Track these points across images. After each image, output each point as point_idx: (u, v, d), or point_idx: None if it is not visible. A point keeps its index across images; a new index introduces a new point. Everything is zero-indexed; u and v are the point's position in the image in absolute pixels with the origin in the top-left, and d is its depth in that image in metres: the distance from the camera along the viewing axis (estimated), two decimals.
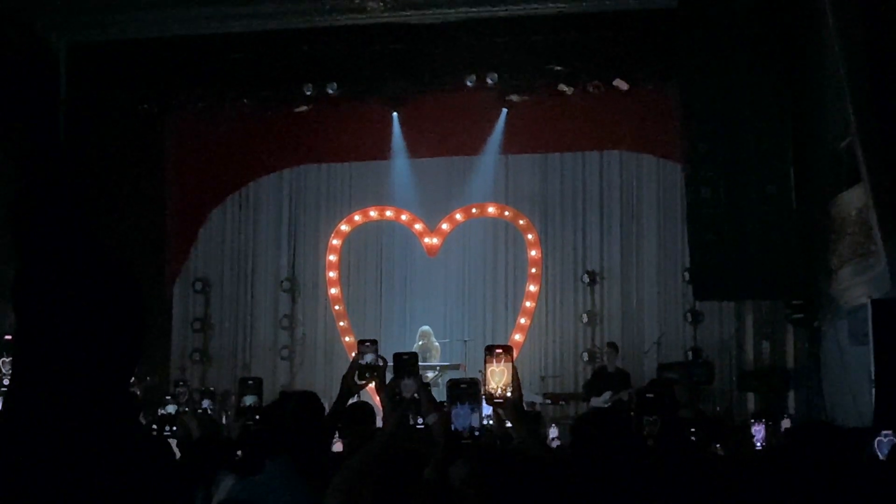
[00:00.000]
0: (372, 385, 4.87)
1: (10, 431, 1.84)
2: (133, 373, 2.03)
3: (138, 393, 14.58)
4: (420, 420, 4.46)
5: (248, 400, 6.11)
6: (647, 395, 4.03)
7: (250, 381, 6.29)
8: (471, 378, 4.63)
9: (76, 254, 1.88)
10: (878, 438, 6.34)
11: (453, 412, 4.25)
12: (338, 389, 4.83)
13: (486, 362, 4.44)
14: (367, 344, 4.85)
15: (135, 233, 17.87)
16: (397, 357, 4.65)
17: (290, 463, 4.12)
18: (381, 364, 4.78)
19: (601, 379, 15.48)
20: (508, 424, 4.71)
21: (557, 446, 11.98)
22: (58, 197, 1.91)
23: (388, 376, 4.71)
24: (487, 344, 4.75)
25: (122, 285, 1.95)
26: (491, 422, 5.46)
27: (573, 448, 4.05)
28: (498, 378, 4.38)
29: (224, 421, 12.56)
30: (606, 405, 14.63)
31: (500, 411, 4.60)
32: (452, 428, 4.22)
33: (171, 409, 13.87)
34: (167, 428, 7.44)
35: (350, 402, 4.99)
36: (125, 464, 1.93)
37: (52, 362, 1.84)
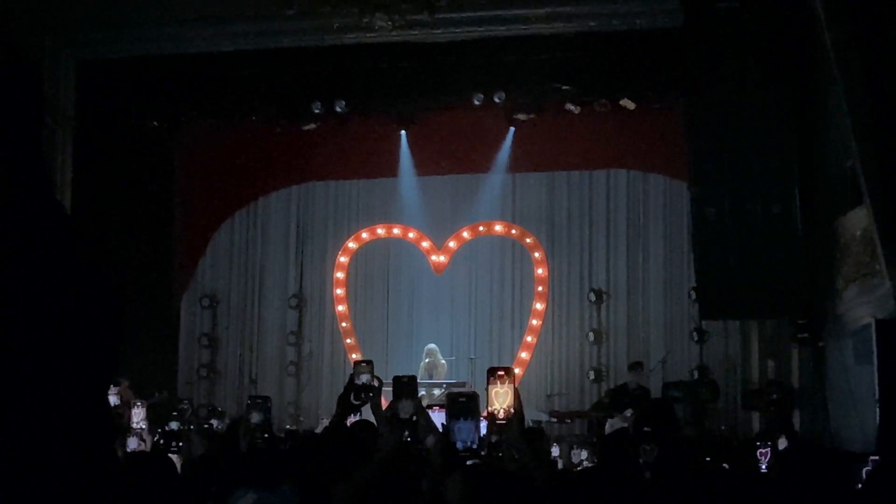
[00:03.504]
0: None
1: None
2: (109, 382, 2.06)
3: (141, 408, 14.64)
4: (418, 442, 4.49)
5: (255, 417, 6.17)
6: (645, 428, 4.08)
7: (259, 400, 6.35)
8: (470, 392, 4.66)
9: (55, 261, 1.92)
10: (866, 468, 6.34)
11: (455, 427, 4.28)
12: None
13: (488, 383, 4.48)
14: (363, 364, 4.88)
15: (144, 248, 17.97)
16: (396, 379, 4.68)
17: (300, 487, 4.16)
18: (376, 385, 4.82)
19: (622, 396, 15.41)
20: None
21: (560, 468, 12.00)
22: (38, 208, 1.94)
23: (390, 396, 4.75)
24: (494, 364, 4.79)
25: (103, 293, 1.99)
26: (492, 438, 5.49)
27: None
28: (501, 400, 4.42)
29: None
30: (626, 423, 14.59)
31: (503, 433, 4.64)
32: (454, 442, 4.25)
33: (174, 425, 13.94)
34: (173, 444, 7.50)
35: (351, 420, 5.05)
36: (103, 476, 1.96)
37: (30, 369, 1.88)
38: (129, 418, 14.15)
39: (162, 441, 13.45)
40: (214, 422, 16.02)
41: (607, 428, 15.03)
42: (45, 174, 2.01)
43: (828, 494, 4.08)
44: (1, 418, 1.85)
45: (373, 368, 4.88)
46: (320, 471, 4.33)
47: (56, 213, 1.97)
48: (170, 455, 7.03)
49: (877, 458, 7.60)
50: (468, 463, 4.22)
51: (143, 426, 14.45)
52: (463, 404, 4.32)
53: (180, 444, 12.76)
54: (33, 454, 1.86)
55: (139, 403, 14.81)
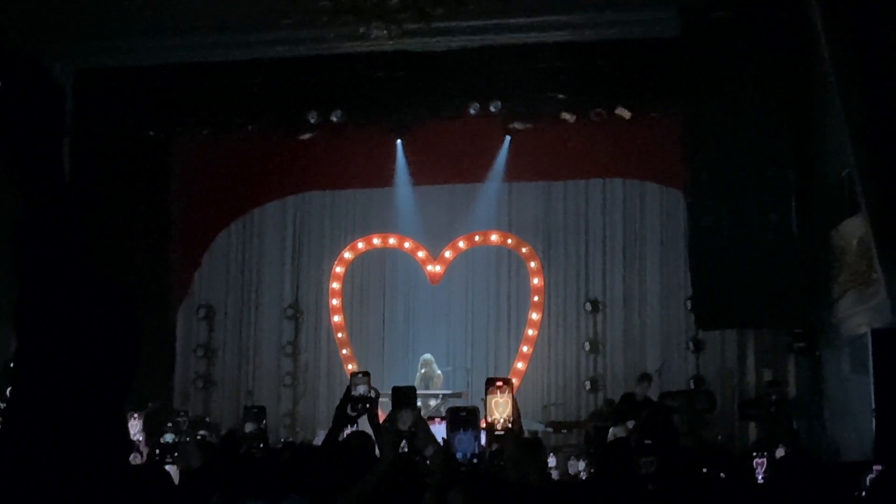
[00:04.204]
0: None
1: (9, 452, 1.87)
2: (126, 396, 2.07)
3: (137, 419, 14.64)
4: (417, 453, 4.47)
5: (249, 427, 6.13)
6: (646, 440, 4.07)
7: (254, 409, 6.32)
8: (471, 406, 4.66)
9: (77, 278, 1.92)
10: (870, 475, 6.33)
11: (455, 439, 4.28)
12: None
13: (487, 394, 4.48)
14: (360, 375, 4.87)
15: (140, 259, 17.92)
16: (396, 390, 4.66)
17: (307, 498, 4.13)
18: (373, 395, 4.80)
19: (628, 406, 15.34)
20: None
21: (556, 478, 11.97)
22: (59, 222, 1.95)
23: (388, 407, 4.73)
24: (490, 374, 4.78)
25: (121, 308, 1.99)
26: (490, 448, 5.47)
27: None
28: (501, 410, 4.41)
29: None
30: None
31: (501, 444, 4.63)
32: (455, 455, 4.24)
33: (168, 437, 13.90)
34: (168, 457, 7.47)
35: (347, 431, 5.02)
36: (119, 488, 1.96)
37: (52, 384, 1.88)
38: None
39: (158, 453, 13.44)
40: (203, 432, 16.00)
41: (610, 437, 14.96)
42: (66, 184, 2.01)
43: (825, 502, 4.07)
44: (24, 429, 1.85)
45: (370, 379, 4.87)
46: (323, 482, 4.32)
47: (77, 223, 1.97)
48: (166, 467, 7.01)
49: (879, 466, 7.60)
50: (462, 469, 4.21)
51: (140, 438, 14.44)
52: (463, 417, 4.32)
53: (175, 454, 12.75)
54: (51, 464, 1.86)
55: (135, 415, 14.79)
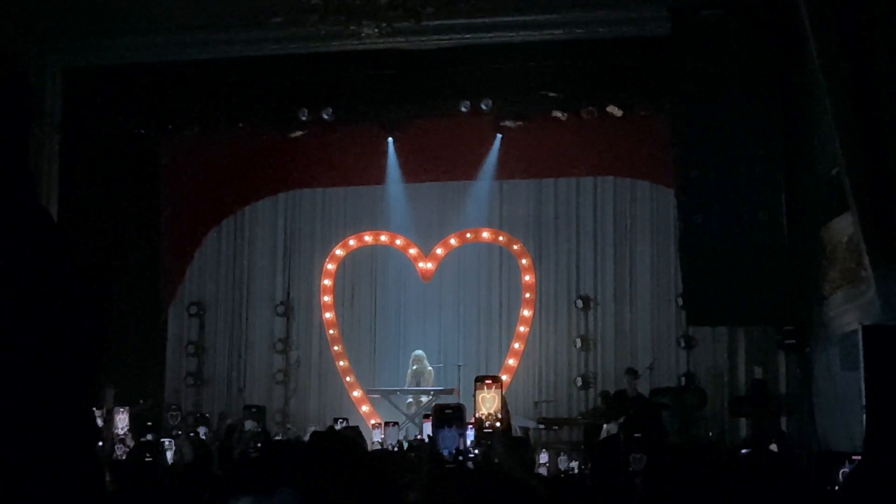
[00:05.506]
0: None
1: None
2: (93, 384, 2.05)
3: (125, 415, 14.62)
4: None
5: (249, 425, 6.16)
6: (636, 434, 4.10)
7: (254, 409, 6.37)
8: (456, 403, 4.69)
9: (40, 263, 1.91)
10: (843, 469, 6.34)
11: (440, 436, 4.31)
12: (330, 412, 4.89)
13: (476, 390, 4.52)
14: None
15: (131, 256, 17.92)
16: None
17: (299, 492, 4.15)
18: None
19: (621, 403, 15.34)
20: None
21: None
22: (21, 209, 1.94)
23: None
24: (482, 370, 4.81)
25: (88, 293, 1.98)
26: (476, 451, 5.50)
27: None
28: (489, 405, 4.45)
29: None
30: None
31: (489, 440, 4.66)
32: (440, 452, 4.27)
33: (150, 436, 13.87)
34: (147, 455, 7.48)
35: (339, 426, 5.05)
36: (84, 478, 1.95)
37: (11, 373, 1.87)
38: (115, 426, 14.12)
39: (137, 450, 13.40)
40: (202, 429, 16.00)
41: (603, 433, 14.97)
42: (31, 180, 2.01)
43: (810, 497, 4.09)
44: None
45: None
46: (315, 474, 4.33)
47: (41, 218, 1.97)
48: (148, 464, 7.02)
49: (857, 456, 7.62)
50: (447, 466, 4.23)
51: (127, 433, 14.42)
52: (449, 415, 4.36)
53: (158, 453, 12.72)
54: (14, 455, 1.85)
55: (122, 410, 14.77)
